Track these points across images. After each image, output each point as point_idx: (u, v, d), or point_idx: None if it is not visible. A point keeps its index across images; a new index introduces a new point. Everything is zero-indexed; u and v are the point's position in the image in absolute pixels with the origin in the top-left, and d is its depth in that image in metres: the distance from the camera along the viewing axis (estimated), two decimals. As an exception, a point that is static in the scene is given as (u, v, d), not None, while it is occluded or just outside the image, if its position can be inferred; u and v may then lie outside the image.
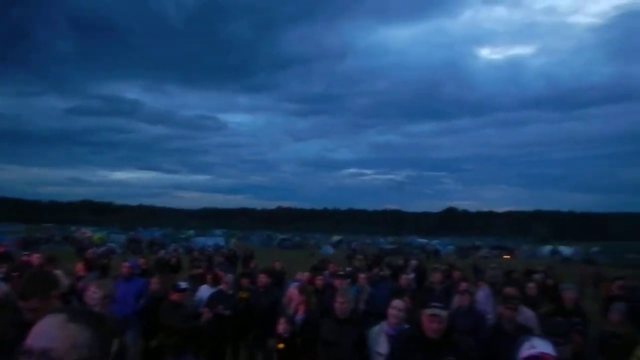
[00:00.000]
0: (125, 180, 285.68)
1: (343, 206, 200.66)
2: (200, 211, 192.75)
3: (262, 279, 7.63)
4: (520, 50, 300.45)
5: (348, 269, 12.24)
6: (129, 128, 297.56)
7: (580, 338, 3.97)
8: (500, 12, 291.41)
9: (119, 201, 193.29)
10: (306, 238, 71.81)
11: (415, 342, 3.47)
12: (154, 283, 7.48)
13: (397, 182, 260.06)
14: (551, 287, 12.16)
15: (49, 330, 1.21)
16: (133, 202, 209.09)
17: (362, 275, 9.52)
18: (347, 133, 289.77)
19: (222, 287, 7.55)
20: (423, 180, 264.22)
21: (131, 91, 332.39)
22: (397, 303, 4.61)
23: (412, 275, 10.89)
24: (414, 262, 16.45)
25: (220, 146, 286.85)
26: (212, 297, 7.33)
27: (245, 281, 8.16)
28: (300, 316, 6.05)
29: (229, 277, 7.82)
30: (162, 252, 20.61)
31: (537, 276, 13.61)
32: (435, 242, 70.14)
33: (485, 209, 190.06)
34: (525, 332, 4.47)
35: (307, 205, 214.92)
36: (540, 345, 2.43)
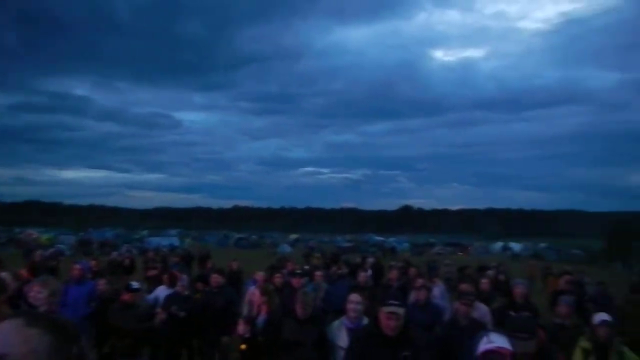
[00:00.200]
0: (75, 180, 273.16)
1: (300, 205, 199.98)
2: (154, 211, 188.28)
3: (216, 278, 7.53)
4: (472, 53, 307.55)
5: (306, 267, 12.25)
6: (78, 125, 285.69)
7: (544, 333, 4.13)
8: (452, 15, 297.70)
9: (68, 201, 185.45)
10: (263, 237, 71.36)
11: (373, 338, 3.51)
12: (102, 284, 7.40)
13: (353, 181, 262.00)
14: (503, 282, 12.55)
15: (5, 335, 1.16)
16: (83, 202, 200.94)
17: (318, 273, 9.57)
18: (303, 132, 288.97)
19: (177, 288, 7.48)
20: (379, 179, 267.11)
21: (80, 87, 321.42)
22: (354, 297, 4.71)
23: (369, 273, 10.99)
24: (371, 260, 16.60)
25: (174, 144, 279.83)
26: (168, 298, 7.25)
27: (200, 284, 8.08)
28: (262, 317, 6.03)
29: (184, 279, 7.75)
30: (114, 254, 20.05)
31: (489, 272, 14.02)
32: (391, 239, 71.17)
33: (440, 207, 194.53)
34: (480, 327, 4.60)
35: (264, 204, 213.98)
36: (497, 340, 2.51)
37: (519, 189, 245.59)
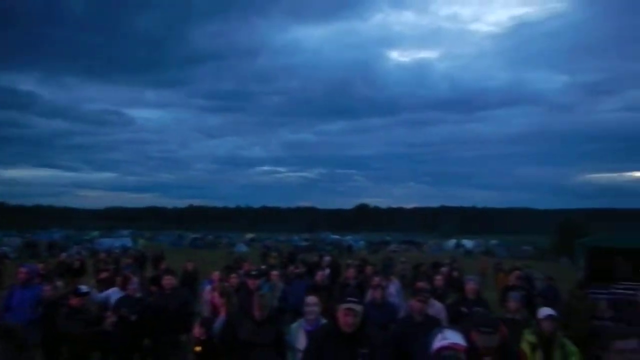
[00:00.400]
0: (20, 179, 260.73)
1: (256, 204, 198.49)
2: (105, 211, 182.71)
3: (168, 280, 7.36)
4: (427, 54, 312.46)
5: (263, 267, 12.18)
6: (23, 122, 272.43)
7: (506, 329, 4.27)
8: (408, 17, 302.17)
9: (13, 201, 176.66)
10: (219, 237, 70.46)
11: (331, 336, 3.52)
12: (47, 290, 7.20)
13: (310, 180, 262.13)
14: (456, 278, 12.89)
15: None
16: (28, 202, 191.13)
17: (274, 273, 9.53)
18: (260, 131, 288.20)
19: (128, 291, 7.29)
20: (335, 178, 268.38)
21: (25, 82, 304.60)
22: (310, 299, 4.76)
23: (327, 271, 11.04)
24: (327, 259, 16.64)
25: (126, 142, 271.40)
26: (118, 301, 7.08)
27: (152, 287, 7.91)
28: (221, 318, 5.99)
29: (134, 281, 7.57)
30: (63, 255, 19.35)
31: (443, 269, 14.35)
32: (348, 237, 71.81)
33: (395, 205, 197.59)
34: (435, 323, 4.70)
35: (219, 204, 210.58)
36: (451, 336, 2.56)
37: (472, 187, 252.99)
